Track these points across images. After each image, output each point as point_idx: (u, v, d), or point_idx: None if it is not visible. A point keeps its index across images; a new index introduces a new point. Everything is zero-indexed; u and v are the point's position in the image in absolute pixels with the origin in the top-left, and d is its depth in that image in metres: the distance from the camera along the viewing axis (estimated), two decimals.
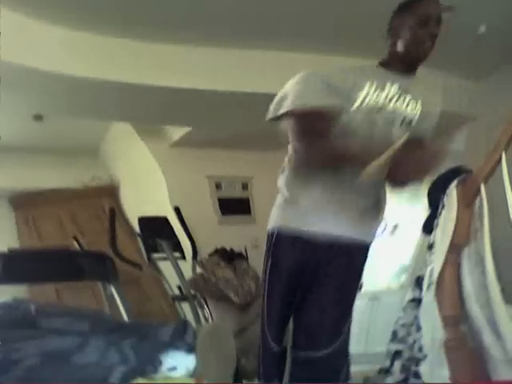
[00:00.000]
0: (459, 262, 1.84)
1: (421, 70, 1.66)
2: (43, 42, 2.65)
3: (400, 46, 1.54)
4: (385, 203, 1.63)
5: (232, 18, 2.74)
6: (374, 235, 1.62)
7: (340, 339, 1.54)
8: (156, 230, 3.42)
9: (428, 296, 1.84)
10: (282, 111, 1.47)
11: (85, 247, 4.00)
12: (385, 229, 5.86)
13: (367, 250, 1.62)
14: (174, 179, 4.14)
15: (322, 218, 1.52)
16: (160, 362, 1.77)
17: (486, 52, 3.24)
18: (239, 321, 3.08)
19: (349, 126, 1.47)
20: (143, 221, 3.43)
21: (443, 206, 1.94)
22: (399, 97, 1.53)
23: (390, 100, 1.51)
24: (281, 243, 1.58)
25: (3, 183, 4.48)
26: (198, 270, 3.42)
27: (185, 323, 2.03)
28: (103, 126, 4.50)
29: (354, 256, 1.57)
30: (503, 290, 1.70)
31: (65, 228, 4.71)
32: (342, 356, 1.59)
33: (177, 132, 4.08)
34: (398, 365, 1.91)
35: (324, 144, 1.43)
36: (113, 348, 1.75)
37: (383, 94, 1.51)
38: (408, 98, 1.54)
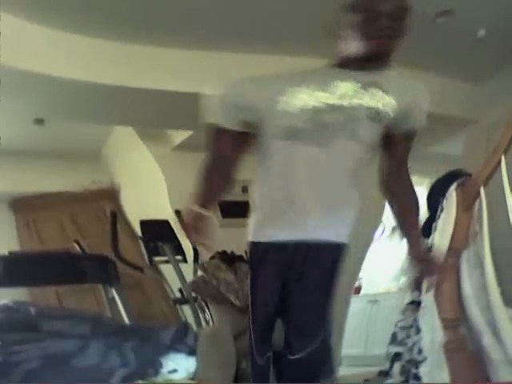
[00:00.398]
0: (458, 264, 1.84)
1: (409, 72, 1.64)
2: (44, 46, 2.66)
3: (349, 45, 1.50)
4: (358, 201, 1.58)
5: (232, 22, 2.75)
6: (345, 234, 1.57)
7: (321, 338, 1.55)
8: (158, 233, 3.42)
9: (427, 299, 1.84)
10: (203, 120, 1.57)
11: (86, 250, 4.00)
12: (383, 232, 5.86)
13: (339, 248, 1.57)
14: (174, 183, 4.14)
15: (285, 225, 1.51)
16: (161, 365, 1.77)
17: (486, 55, 3.25)
18: (239, 324, 3.08)
19: (290, 125, 1.46)
20: (145, 224, 3.43)
21: (442, 209, 1.95)
22: (359, 92, 1.48)
23: (345, 97, 1.47)
24: (254, 256, 1.59)
25: (3, 187, 4.48)
26: (199, 272, 3.42)
27: (186, 326, 2.03)
28: (104, 130, 4.51)
29: (324, 257, 1.54)
30: (503, 293, 1.70)
31: (66, 231, 4.70)
32: (324, 354, 1.61)
33: (179, 136, 4.08)
34: (397, 367, 1.91)
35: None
36: (113, 351, 1.75)
37: (329, 92, 1.47)
38: (373, 92, 1.49)
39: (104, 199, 4.86)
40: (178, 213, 3.80)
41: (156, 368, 1.77)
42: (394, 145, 1.56)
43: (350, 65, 1.51)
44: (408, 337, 1.95)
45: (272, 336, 1.62)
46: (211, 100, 1.56)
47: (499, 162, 1.84)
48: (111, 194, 4.95)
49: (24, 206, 4.81)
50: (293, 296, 1.56)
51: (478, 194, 1.88)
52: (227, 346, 2.07)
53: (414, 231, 1.62)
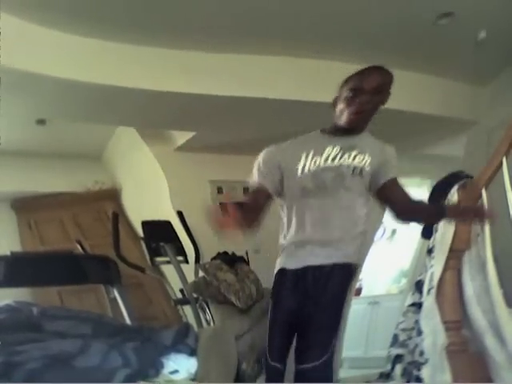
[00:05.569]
0: (460, 266, 1.84)
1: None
2: (44, 47, 2.65)
3: (337, 115, 1.90)
4: (364, 235, 1.93)
5: (237, 24, 2.75)
6: (354, 256, 1.89)
7: (329, 352, 1.79)
8: (160, 234, 3.41)
9: (428, 300, 1.85)
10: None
11: (88, 251, 4.00)
12: (383, 234, 5.86)
13: (349, 268, 1.89)
14: (176, 184, 4.15)
15: (303, 255, 1.88)
16: (162, 365, 1.77)
17: (488, 57, 3.25)
18: (240, 324, 3.08)
19: (302, 186, 1.88)
20: (147, 225, 3.41)
21: None
22: (343, 154, 1.88)
23: (334, 159, 1.87)
24: (276, 282, 1.94)
25: (5, 187, 4.48)
26: (200, 273, 3.42)
27: (187, 327, 2.03)
28: (106, 131, 4.50)
29: (335, 277, 1.85)
30: (505, 294, 1.70)
31: (67, 231, 4.70)
32: (330, 366, 1.81)
33: (181, 137, 4.09)
34: (399, 369, 1.92)
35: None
36: (115, 351, 1.75)
37: (323, 157, 1.88)
38: (354, 153, 1.88)
39: (106, 200, 4.86)
40: (179, 214, 3.81)
41: (157, 368, 1.77)
42: (390, 190, 1.92)
43: (336, 132, 1.91)
44: (409, 339, 1.95)
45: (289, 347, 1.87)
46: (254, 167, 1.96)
47: (500, 164, 1.84)
48: (113, 195, 4.94)
49: (26, 207, 4.80)
50: (307, 313, 1.83)
51: (480, 195, 1.88)
52: (228, 346, 2.07)
53: (443, 210, 1.88)
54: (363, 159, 1.89)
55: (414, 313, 1.99)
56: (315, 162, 1.89)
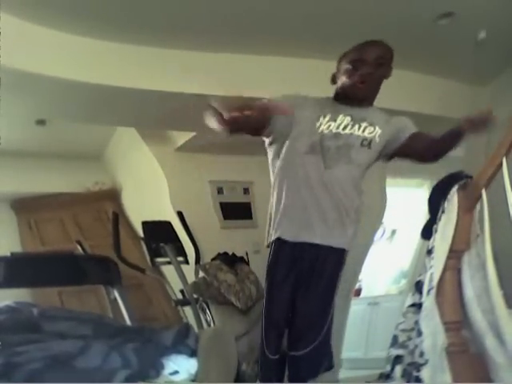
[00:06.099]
0: (459, 267, 1.84)
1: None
2: (44, 47, 2.66)
3: (341, 88, 1.93)
4: (357, 213, 1.94)
5: (235, 23, 2.75)
6: (347, 242, 1.91)
7: (321, 336, 1.82)
8: (160, 235, 3.41)
9: (428, 301, 1.84)
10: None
11: (88, 251, 4.00)
12: (383, 234, 5.86)
13: (342, 253, 1.91)
14: (176, 184, 4.15)
15: (299, 226, 1.87)
16: (162, 366, 1.77)
17: (488, 57, 3.25)
18: (240, 325, 3.09)
19: (307, 145, 1.87)
20: (147, 225, 3.42)
21: (443, 211, 1.95)
22: (353, 124, 1.90)
23: (345, 127, 1.89)
24: (274, 254, 1.92)
25: (5, 187, 4.48)
26: (201, 274, 3.42)
27: (187, 327, 2.03)
28: (107, 131, 4.51)
29: (329, 260, 1.87)
30: (505, 295, 1.70)
31: (68, 232, 4.70)
32: (324, 350, 1.87)
33: (181, 137, 4.09)
34: (399, 370, 1.91)
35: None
36: (115, 352, 1.75)
37: (336, 123, 1.89)
38: (364, 124, 1.91)
39: (106, 200, 4.86)
40: (179, 214, 3.82)
41: (158, 369, 1.77)
42: (414, 143, 1.94)
43: (344, 101, 1.93)
44: (409, 339, 1.95)
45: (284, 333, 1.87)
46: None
47: (500, 164, 1.84)
48: (113, 195, 4.95)
49: (26, 207, 4.80)
50: (300, 295, 1.85)
51: (480, 196, 1.88)
52: (228, 347, 2.07)
53: (459, 131, 1.87)
54: (373, 131, 1.91)
55: (413, 313, 1.98)
56: (329, 126, 1.88)
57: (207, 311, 3.29)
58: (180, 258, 3.44)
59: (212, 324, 3.23)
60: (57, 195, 4.74)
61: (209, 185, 4.24)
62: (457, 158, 3.97)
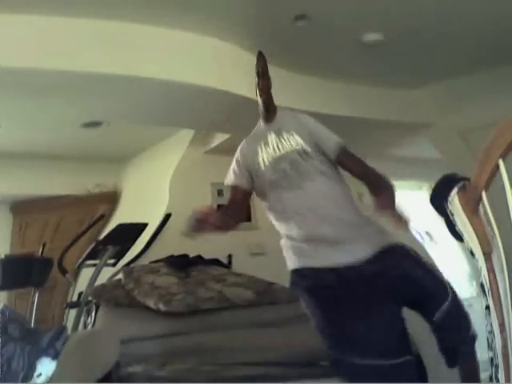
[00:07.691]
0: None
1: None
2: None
3: (260, 106, 1.95)
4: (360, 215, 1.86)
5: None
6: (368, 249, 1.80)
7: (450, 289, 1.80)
8: (119, 237, 3.26)
9: (490, 302, 1.82)
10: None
11: (45, 254, 3.94)
12: (422, 238, 5.71)
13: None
14: (178, 186, 4.14)
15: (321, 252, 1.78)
16: (35, 369, 1.81)
17: (448, 58, 3.30)
18: (162, 327, 2.81)
19: (268, 180, 1.83)
20: (118, 227, 3.27)
21: (452, 214, 1.93)
22: (280, 140, 1.85)
23: (278, 147, 1.84)
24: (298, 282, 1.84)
25: (4, 190, 4.46)
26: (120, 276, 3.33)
27: (61, 330, 2.03)
28: (108, 132, 4.46)
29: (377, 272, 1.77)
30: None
31: (44, 234, 4.65)
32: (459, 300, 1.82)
33: (217, 138, 4.06)
34: (494, 371, 1.88)
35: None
36: (18, 354, 1.80)
37: (271, 147, 1.85)
38: (285, 135, 1.85)
39: (103, 203, 4.79)
40: (168, 216, 3.74)
41: (32, 372, 1.82)
42: (344, 166, 1.87)
43: (263, 119, 1.95)
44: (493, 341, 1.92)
45: None
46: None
47: (496, 166, 1.82)
48: (112, 198, 4.90)
49: (23, 210, 4.81)
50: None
51: (480, 198, 1.88)
52: (101, 349, 2.05)
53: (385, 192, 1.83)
54: (296, 140, 1.85)
55: (488, 315, 1.94)
56: (268, 152, 1.87)
57: (92, 314, 3.17)
58: (112, 261, 3.37)
59: (90, 326, 3.12)
60: (56, 198, 4.69)
61: (210, 187, 4.23)
62: (437, 160, 4.04)
